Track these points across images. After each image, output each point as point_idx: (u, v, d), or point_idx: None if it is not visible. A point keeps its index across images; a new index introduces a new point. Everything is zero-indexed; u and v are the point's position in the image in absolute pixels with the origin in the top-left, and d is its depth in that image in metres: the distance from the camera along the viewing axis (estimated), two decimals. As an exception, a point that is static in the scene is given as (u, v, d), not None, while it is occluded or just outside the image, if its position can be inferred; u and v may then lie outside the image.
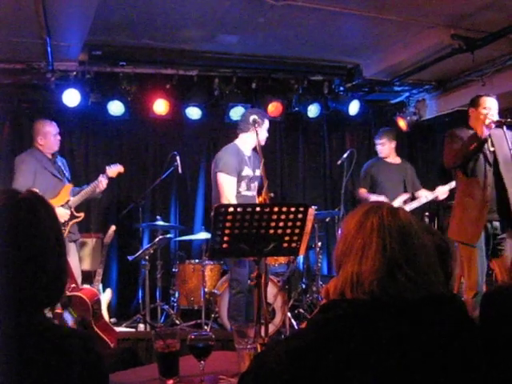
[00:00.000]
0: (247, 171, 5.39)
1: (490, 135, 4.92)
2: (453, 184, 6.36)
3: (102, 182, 5.98)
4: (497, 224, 4.82)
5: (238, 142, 5.55)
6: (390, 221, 1.60)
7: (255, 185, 5.53)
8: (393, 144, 6.96)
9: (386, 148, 6.92)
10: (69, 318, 3.82)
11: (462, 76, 7.35)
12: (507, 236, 4.80)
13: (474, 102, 4.97)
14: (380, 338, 1.43)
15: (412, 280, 1.53)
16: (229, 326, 5.84)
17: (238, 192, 5.33)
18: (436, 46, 6.21)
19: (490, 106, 4.87)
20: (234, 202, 5.17)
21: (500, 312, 2.11)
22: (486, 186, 4.79)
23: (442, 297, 1.55)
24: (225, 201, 5.17)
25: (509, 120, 4.72)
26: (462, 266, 4.76)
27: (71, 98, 6.69)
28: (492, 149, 4.90)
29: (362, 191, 6.88)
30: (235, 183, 5.27)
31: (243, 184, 5.37)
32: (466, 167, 4.88)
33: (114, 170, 6.17)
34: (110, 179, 6.17)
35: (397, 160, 7.02)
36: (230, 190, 5.22)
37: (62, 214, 5.69)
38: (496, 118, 4.80)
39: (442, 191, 6.58)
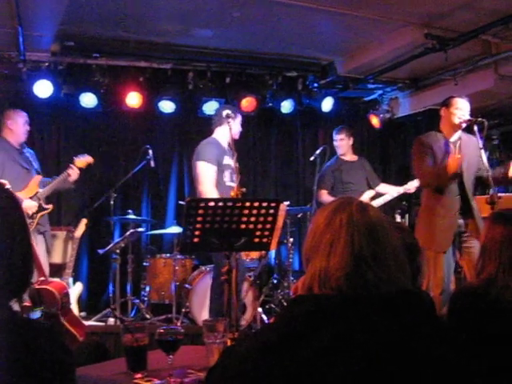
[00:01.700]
0: (228, 160, 5.34)
1: (460, 141, 4.96)
2: None
3: (73, 173, 5.91)
4: (461, 222, 4.87)
5: (214, 135, 5.54)
6: (358, 217, 1.60)
7: (236, 177, 5.49)
8: (351, 141, 6.98)
9: (344, 144, 6.92)
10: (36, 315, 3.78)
11: (434, 75, 7.43)
12: (472, 234, 4.85)
13: (447, 102, 4.99)
14: (347, 333, 1.43)
15: (379, 276, 1.53)
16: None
17: (223, 182, 5.29)
18: (410, 45, 6.27)
19: (462, 107, 4.90)
20: (213, 189, 5.12)
21: (467, 311, 2.14)
22: (457, 195, 4.84)
23: (408, 293, 1.56)
24: (203, 188, 5.12)
25: (479, 119, 4.76)
26: (428, 263, 4.79)
27: (43, 89, 6.62)
28: (458, 156, 4.92)
29: (323, 193, 6.86)
30: (214, 172, 5.22)
31: (227, 174, 5.33)
32: None
33: (83, 160, 6.07)
34: (80, 170, 6.08)
35: (354, 157, 7.05)
36: (209, 177, 5.17)
37: (30, 205, 5.60)
38: (466, 117, 4.84)
39: (412, 185, 6.60)
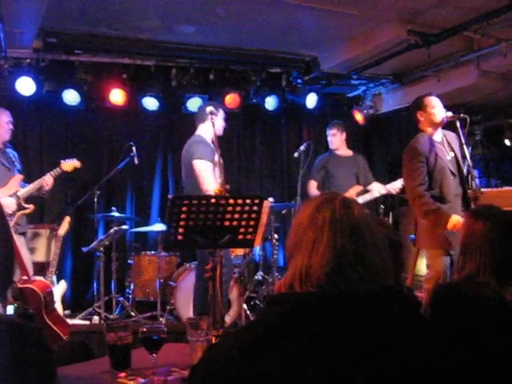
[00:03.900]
0: (217, 158, 5.33)
1: (446, 140, 4.95)
2: None
3: (48, 181, 5.83)
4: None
5: (199, 132, 5.51)
6: (342, 215, 1.59)
7: (220, 173, 5.46)
8: (343, 136, 6.99)
9: (337, 139, 6.95)
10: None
11: (418, 71, 7.47)
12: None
13: (420, 105, 4.91)
14: (328, 331, 1.43)
15: (361, 275, 1.52)
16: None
17: (215, 180, 5.27)
18: (393, 41, 6.29)
19: (437, 104, 4.88)
20: (214, 187, 5.11)
21: (447, 307, 2.15)
22: (456, 197, 4.81)
23: (391, 291, 1.56)
24: (208, 187, 5.10)
25: (462, 115, 4.77)
26: (430, 261, 4.77)
27: (25, 86, 6.57)
28: (452, 154, 4.91)
29: (313, 185, 6.90)
30: (212, 169, 5.21)
31: (217, 171, 5.32)
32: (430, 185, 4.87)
33: (70, 163, 6.00)
34: (65, 173, 6.03)
35: (348, 153, 7.07)
36: (210, 175, 5.15)
37: (8, 203, 5.53)
38: (448, 113, 4.83)
39: (394, 187, 6.62)
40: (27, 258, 5.71)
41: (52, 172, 5.86)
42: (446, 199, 4.75)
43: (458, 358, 1.93)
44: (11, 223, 5.55)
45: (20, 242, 5.64)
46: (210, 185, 5.12)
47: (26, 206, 5.76)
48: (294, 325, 1.45)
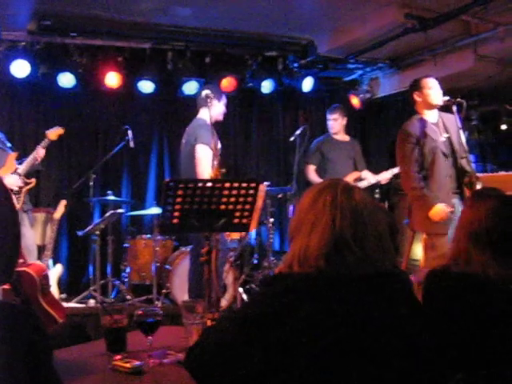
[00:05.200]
0: (219, 145, 5.31)
1: (443, 121, 4.95)
2: (395, 170, 6.43)
3: (40, 153, 5.80)
4: (455, 201, 4.83)
5: (201, 116, 5.46)
6: (343, 199, 1.62)
7: (216, 157, 5.42)
8: (344, 121, 6.98)
9: (337, 124, 6.93)
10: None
11: (415, 55, 7.44)
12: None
13: (417, 86, 4.93)
14: (322, 310, 1.45)
15: (358, 258, 1.54)
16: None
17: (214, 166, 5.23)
18: (390, 25, 6.26)
19: (434, 85, 4.89)
20: (210, 172, 5.09)
21: (441, 290, 2.15)
22: (447, 178, 4.82)
23: (387, 274, 1.58)
24: (204, 173, 5.07)
25: (458, 100, 4.76)
26: (425, 246, 4.77)
27: (20, 68, 6.54)
28: (446, 135, 4.90)
29: (311, 169, 6.90)
30: (211, 156, 5.17)
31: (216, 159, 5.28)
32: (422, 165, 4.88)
33: (54, 132, 5.94)
34: (53, 143, 5.98)
35: (346, 138, 7.06)
36: (208, 160, 5.12)
37: (14, 181, 5.52)
38: (445, 98, 4.83)
39: (384, 177, 6.68)
40: (30, 237, 5.71)
41: (41, 144, 5.83)
42: (435, 179, 4.78)
43: (447, 339, 1.94)
44: (20, 201, 5.56)
45: (24, 220, 5.65)
46: (205, 171, 5.09)
47: (29, 180, 5.75)
48: (289, 303, 1.46)
